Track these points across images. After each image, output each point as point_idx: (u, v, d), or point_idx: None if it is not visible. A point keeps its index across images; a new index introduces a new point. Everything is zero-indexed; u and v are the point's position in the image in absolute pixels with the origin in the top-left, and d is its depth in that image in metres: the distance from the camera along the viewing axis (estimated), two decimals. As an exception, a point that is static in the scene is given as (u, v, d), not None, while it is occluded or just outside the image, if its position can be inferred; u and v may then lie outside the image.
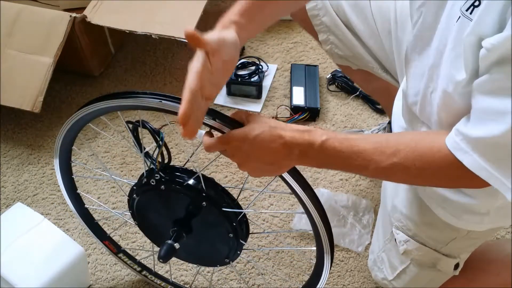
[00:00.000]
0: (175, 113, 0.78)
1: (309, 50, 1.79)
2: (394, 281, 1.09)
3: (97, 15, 1.50)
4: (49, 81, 1.44)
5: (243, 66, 1.69)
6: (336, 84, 1.68)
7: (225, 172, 1.47)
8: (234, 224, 0.92)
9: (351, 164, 0.75)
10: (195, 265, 1.29)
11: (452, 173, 0.72)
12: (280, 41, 1.82)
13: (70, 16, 1.46)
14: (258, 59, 1.72)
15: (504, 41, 0.63)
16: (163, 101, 0.80)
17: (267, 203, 1.41)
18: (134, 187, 0.97)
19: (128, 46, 1.81)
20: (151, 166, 0.92)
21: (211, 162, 1.48)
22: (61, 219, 1.39)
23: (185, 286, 1.25)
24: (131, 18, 1.51)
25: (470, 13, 0.68)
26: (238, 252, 0.99)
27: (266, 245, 1.33)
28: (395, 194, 1.04)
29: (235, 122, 0.77)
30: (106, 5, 1.53)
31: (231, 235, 0.93)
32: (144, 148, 0.91)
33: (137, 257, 1.24)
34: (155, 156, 0.90)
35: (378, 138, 0.77)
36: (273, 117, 1.57)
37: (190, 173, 0.92)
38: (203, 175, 0.90)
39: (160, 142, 0.88)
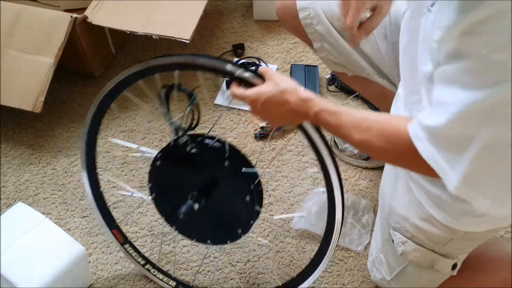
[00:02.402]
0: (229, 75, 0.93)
1: (308, 50, 1.79)
2: (392, 282, 1.09)
3: (97, 16, 1.51)
4: (50, 81, 1.45)
5: (243, 66, 1.69)
6: (335, 84, 1.68)
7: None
8: (252, 187, 1.00)
9: (336, 133, 0.87)
10: (196, 265, 1.30)
11: (411, 158, 0.76)
12: (280, 41, 1.82)
13: (71, 16, 1.46)
14: (258, 59, 1.73)
15: (450, 33, 0.65)
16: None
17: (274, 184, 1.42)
18: (159, 154, 1.04)
19: (128, 47, 1.81)
20: (182, 126, 0.99)
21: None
22: (62, 219, 1.39)
23: (187, 283, 1.26)
24: (131, 19, 1.51)
25: (431, 6, 0.74)
26: (252, 222, 1.04)
27: (266, 244, 1.34)
28: (393, 196, 1.04)
29: (257, 77, 0.91)
30: (106, 5, 1.53)
31: (248, 198, 1.00)
32: (171, 118, 1.00)
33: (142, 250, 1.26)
34: (185, 120, 1.00)
35: (359, 114, 0.86)
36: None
37: (214, 138, 1.02)
38: (225, 142, 1.00)
39: (193, 102, 0.98)
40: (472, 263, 1.06)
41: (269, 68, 0.93)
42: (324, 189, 1.42)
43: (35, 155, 1.53)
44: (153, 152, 1.06)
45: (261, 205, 1.05)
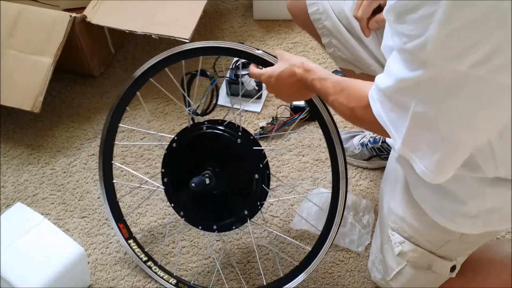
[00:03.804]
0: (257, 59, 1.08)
1: (309, 50, 1.79)
2: (391, 282, 1.09)
3: (97, 15, 1.50)
4: (49, 81, 1.45)
5: (243, 66, 1.69)
6: (336, 84, 1.68)
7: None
8: (261, 165, 1.10)
9: (323, 98, 0.95)
10: (196, 265, 1.29)
11: (370, 118, 0.80)
12: (280, 41, 1.82)
13: (70, 16, 1.46)
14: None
15: (392, 11, 0.70)
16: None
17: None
18: (175, 137, 1.14)
19: (128, 46, 1.81)
20: (199, 106, 1.13)
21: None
22: (61, 219, 1.39)
23: (187, 282, 1.25)
24: (131, 18, 1.51)
25: None
26: (258, 205, 1.12)
27: (266, 244, 1.34)
28: (392, 197, 1.05)
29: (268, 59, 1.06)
30: (106, 5, 1.53)
31: (257, 176, 1.09)
32: (190, 104, 1.14)
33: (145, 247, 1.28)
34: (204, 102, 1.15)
35: (339, 78, 0.92)
36: (273, 117, 1.57)
37: (227, 123, 1.13)
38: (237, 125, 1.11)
39: (213, 83, 1.13)
40: (472, 264, 1.06)
41: (284, 51, 1.03)
42: (324, 189, 1.42)
43: (34, 155, 1.53)
44: (170, 136, 1.16)
45: (268, 187, 1.12)
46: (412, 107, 0.71)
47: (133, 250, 1.25)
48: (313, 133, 1.56)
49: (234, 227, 1.15)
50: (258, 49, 1.07)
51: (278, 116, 1.58)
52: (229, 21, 1.88)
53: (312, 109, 1.08)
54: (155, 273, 1.25)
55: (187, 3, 1.55)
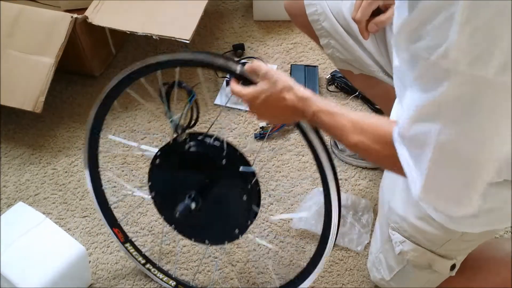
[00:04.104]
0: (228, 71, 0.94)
1: (308, 50, 1.80)
2: (391, 282, 1.09)
3: (98, 16, 1.51)
4: (50, 81, 1.45)
5: (240, 62, 1.69)
6: (335, 84, 1.69)
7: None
8: (249, 186, 1.00)
9: (333, 134, 0.88)
10: (196, 265, 1.30)
11: (395, 159, 0.75)
12: (280, 41, 1.82)
13: (71, 16, 1.46)
14: (258, 59, 1.73)
15: (402, 32, 0.68)
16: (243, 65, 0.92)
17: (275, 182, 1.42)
18: (159, 152, 1.05)
19: (129, 47, 1.82)
20: (181, 123, 1.00)
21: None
22: (62, 219, 1.40)
23: (186, 283, 1.26)
24: (132, 19, 1.51)
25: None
26: (249, 223, 1.04)
27: (266, 243, 1.34)
28: (392, 196, 1.05)
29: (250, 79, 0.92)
30: (107, 6, 1.53)
31: (245, 197, 1.00)
32: (171, 116, 1.01)
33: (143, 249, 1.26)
34: (184, 118, 1.02)
35: (355, 115, 0.85)
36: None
37: (212, 137, 1.02)
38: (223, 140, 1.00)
39: (192, 99, 0.99)
40: (472, 263, 1.06)
41: (261, 63, 0.92)
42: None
43: (36, 155, 1.54)
44: (153, 150, 1.07)
45: (258, 205, 1.04)
46: (434, 135, 0.67)
47: (131, 254, 1.25)
48: (313, 133, 1.57)
49: (226, 242, 1.10)
50: (240, 62, 0.93)
51: (278, 116, 1.59)
52: (229, 22, 1.89)
53: (304, 138, 0.95)
54: (154, 275, 1.26)
55: (187, 4, 1.55)
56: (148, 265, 1.25)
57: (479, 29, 0.58)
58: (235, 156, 1.01)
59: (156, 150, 1.06)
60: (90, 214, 1.40)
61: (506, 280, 1.07)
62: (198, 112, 1.00)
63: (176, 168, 1.07)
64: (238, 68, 0.92)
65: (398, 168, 0.76)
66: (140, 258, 1.25)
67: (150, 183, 1.10)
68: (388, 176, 1.10)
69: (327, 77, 1.70)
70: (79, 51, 1.60)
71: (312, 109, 0.86)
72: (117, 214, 1.27)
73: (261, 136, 1.55)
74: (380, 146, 0.80)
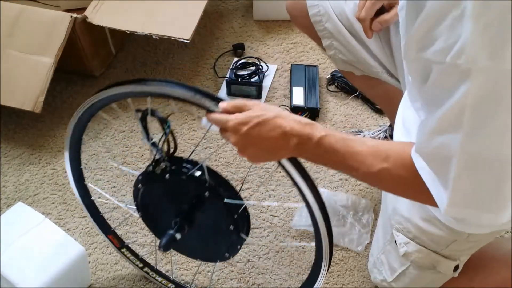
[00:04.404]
0: (186, 101, 0.82)
1: (308, 50, 1.80)
2: (393, 283, 1.09)
3: (97, 16, 1.51)
4: (50, 81, 1.45)
5: (243, 66, 1.70)
6: (335, 84, 1.69)
7: (225, 172, 1.48)
8: (236, 216, 0.92)
9: (343, 163, 0.76)
10: (196, 265, 1.30)
11: (423, 187, 0.71)
12: (280, 41, 1.82)
13: (71, 16, 1.46)
14: (258, 59, 1.73)
15: (410, 43, 0.66)
16: (196, 95, 0.80)
17: (267, 201, 1.42)
18: (140, 177, 0.97)
19: (128, 47, 1.81)
20: (157, 155, 0.92)
21: (213, 152, 1.48)
22: (62, 219, 1.39)
23: (186, 285, 1.26)
24: (131, 19, 1.51)
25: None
26: (239, 247, 0.99)
27: (266, 244, 1.34)
28: (396, 197, 1.04)
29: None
30: (106, 5, 1.53)
31: (232, 227, 0.94)
32: (152, 138, 0.91)
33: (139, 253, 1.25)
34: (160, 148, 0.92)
35: (373, 142, 0.78)
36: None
37: (195, 164, 0.92)
38: (207, 167, 0.91)
39: (167, 131, 0.88)
40: (473, 263, 1.06)
41: (246, 101, 0.78)
42: (323, 189, 1.43)
43: (35, 155, 1.53)
44: (135, 173, 1.01)
45: (247, 232, 0.98)
46: (457, 145, 0.64)
47: (128, 258, 1.24)
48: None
49: (218, 261, 1.06)
50: (219, 98, 0.79)
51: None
52: (229, 22, 1.89)
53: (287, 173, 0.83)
54: (153, 278, 1.25)
55: (187, 4, 1.55)
56: (146, 269, 1.25)
57: (492, 22, 0.56)
58: (220, 185, 0.93)
59: (137, 172, 1.00)
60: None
61: (506, 279, 1.06)
62: (175, 141, 0.91)
63: (158, 194, 1.00)
64: (216, 107, 0.78)
65: (426, 197, 0.71)
66: (138, 262, 1.24)
67: (135, 203, 1.04)
68: None
69: (327, 77, 1.70)
70: (79, 51, 1.60)
71: (320, 133, 0.75)
72: (114, 216, 1.25)
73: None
74: (405, 171, 0.73)
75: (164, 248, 0.94)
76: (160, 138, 0.89)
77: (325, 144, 0.75)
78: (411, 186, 0.74)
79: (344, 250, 1.32)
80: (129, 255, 1.23)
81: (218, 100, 0.79)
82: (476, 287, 1.08)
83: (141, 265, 1.24)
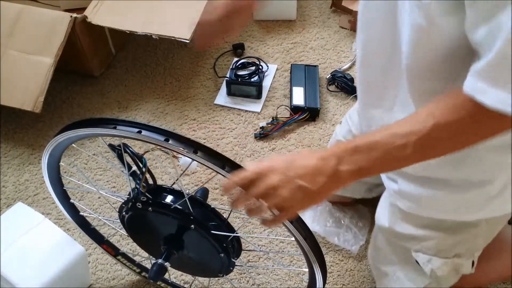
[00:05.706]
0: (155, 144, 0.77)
1: (309, 50, 1.79)
2: None
3: (97, 16, 1.50)
4: (49, 81, 1.45)
5: (243, 66, 1.70)
6: (335, 84, 1.68)
7: (214, 195, 1.47)
8: (225, 244, 0.89)
9: (390, 150, 0.68)
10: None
11: (482, 118, 0.63)
12: (280, 41, 1.82)
13: (71, 16, 1.46)
14: (258, 59, 1.73)
15: None
16: (142, 132, 0.76)
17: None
18: (123, 205, 0.93)
19: (128, 47, 1.81)
20: (136, 191, 0.88)
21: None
22: (61, 219, 1.39)
23: (185, 286, 1.26)
24: (131, 19, 1.51)
25: None
26: (231, 268, 0.97)
27: (266, 244, 1.34)
28: (394, 220, 1.03)
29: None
30: (106, 5, 1.53)
31: (222, 254, 0.91)
32: (130, 168, 0.86)
33: (136, 259, 1.25)
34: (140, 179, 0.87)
35: (400, 119, 0.70)
36: (273, 118, 1.58)
37: (178, 194, 0.88)
38: (191, 197, 0.88)
39: (144, 169, 0.84)
40: (482, 254, 1.06)
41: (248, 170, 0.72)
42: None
43: (35, 155, 1.53)
44: (115, 197, 0.97)
45: (238, 256, 0.96)
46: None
47: (124, 264, 1.24)
48: (313, 133, 1.57)
49: (212, 277, 1.04)
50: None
51: (278, 116, 1.59)
52: (229, 21, 1.88)
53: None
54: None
55: (187, 3, 1.55)
56: (143, 273, 1.25)
57: None
58: (207, 217, 0.89)
59: (116, 197, 0.96)
60: (89, 214, 1.40)
61: (507, 265, 1.06)
62: (153, 177, 0.88)
63: (143, 222, 0.96)
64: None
65: (491, 122, 0.64)
66: (134, 268, 1.24)
67: (123, 225, 1.01)
68: (384, 202, 1.09)
69: (327, 76, 1.70)
70: (79, 51, 1.60)
71: (345, 143, 0.70)
72: (109, 224, 1.24)
73: (261, 136, 1.55)
74: (457, 112, 0.65)
75: (154, 279, 0.90)
76: (140, 173, 0.85)
77: (360, 144, 0.69)
78: (473, 122, 0.65)
79: (344, 250, 1.32)
80: (125, 261, 1.23)
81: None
82: (478, 274, 1.08)
83: (138, 270, 1.24)
